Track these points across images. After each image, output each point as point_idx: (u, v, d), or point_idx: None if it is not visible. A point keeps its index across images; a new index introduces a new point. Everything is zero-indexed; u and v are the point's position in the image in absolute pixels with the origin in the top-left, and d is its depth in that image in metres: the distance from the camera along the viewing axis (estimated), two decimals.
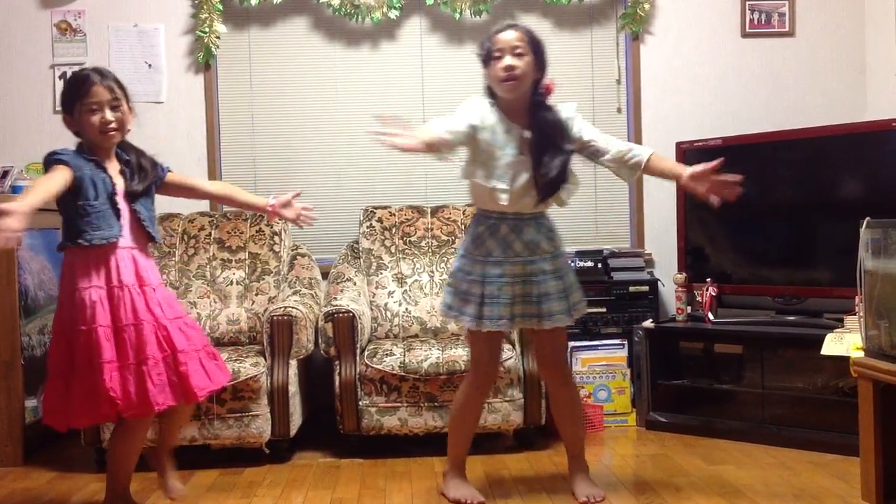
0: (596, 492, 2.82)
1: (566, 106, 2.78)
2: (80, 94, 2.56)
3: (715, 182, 2.67)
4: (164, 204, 4.05)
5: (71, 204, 2.52)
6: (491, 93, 2.75)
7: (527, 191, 2.69)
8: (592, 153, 2.78)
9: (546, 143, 2.68)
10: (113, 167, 2.63)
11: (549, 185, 2.67)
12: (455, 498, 2.82)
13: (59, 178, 2.46)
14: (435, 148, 2.61)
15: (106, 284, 2.53)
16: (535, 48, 2.68)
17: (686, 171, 2.71)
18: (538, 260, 2.71)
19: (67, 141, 2.65)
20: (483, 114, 2.69)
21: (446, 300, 2.81)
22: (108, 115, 2.56)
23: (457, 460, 2.89)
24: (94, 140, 2.59)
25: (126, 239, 2.60)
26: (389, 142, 2.46)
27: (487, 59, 2.67)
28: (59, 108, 2.63)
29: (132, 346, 2.51)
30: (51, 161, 2.52)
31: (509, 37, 2.66)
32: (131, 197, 2.63)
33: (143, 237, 2.67)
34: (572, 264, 3.95)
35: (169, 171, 2.79)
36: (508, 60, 2.63)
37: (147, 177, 2.69)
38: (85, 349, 2.49)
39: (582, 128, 2.76)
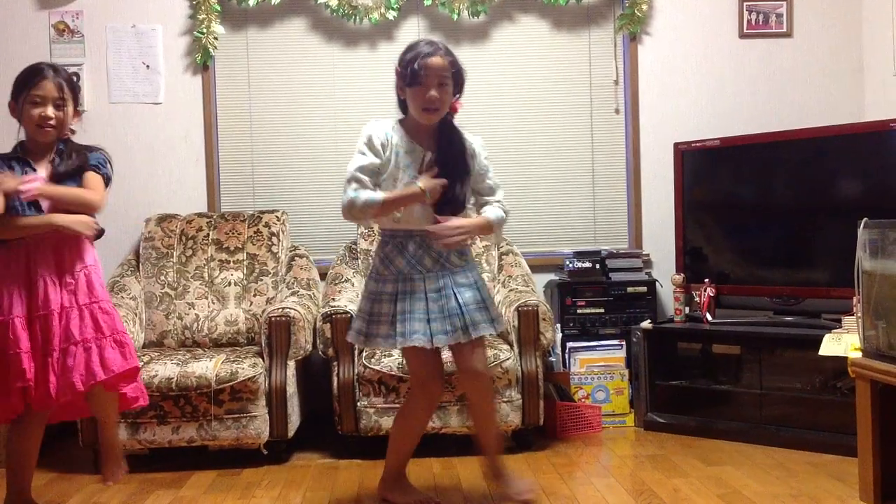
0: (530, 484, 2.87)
1: (475, 137, 2.79)
2: (28, 84, 2.58)
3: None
4: (161, 204, 4.09)
5: None
6: (403, 106, 2.73)
7: (425, 210, 2.66)
8: (475, 194, 2.78)
9: (449, 165, 2.68)
10: (43, 164, 2.61)
11: (448, 206, 2.66)
12: (408, 502, 2.79)
13: None
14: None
15: (23, 276, 2.53)
16: (457, 76, 2.68)
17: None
18: (449, 273, 2.67)
19: None
20: (384, 137, 2.66)
21: (354, 325, 2.74)
22: (50, 111, 2.58)
23: (398, 467, 2.85)
24: (30, 132, 2.62)
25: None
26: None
27: (413, 81, 2.62)
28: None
29: (42, 336, 2.51)
30: None
31: (438, 64, 2.62)
32: (56, 178, 2.59)
33: None
34: (570, 266, 3.97)
35: (96, 169, 2.66)
36: (433, 92, 2.62)
37: (73, 162, 2.62)
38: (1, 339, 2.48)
39: (488, 168, 2.78)
